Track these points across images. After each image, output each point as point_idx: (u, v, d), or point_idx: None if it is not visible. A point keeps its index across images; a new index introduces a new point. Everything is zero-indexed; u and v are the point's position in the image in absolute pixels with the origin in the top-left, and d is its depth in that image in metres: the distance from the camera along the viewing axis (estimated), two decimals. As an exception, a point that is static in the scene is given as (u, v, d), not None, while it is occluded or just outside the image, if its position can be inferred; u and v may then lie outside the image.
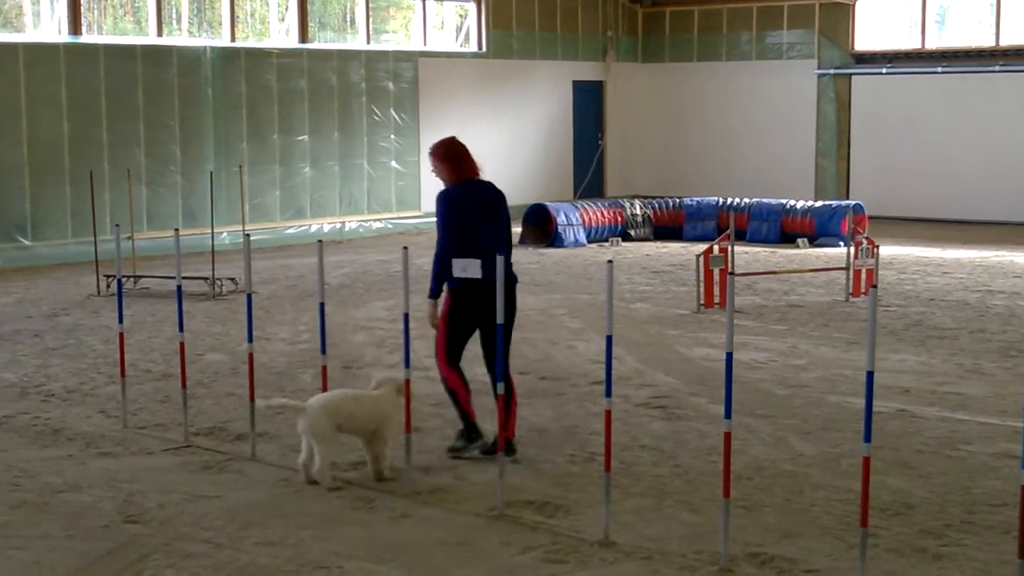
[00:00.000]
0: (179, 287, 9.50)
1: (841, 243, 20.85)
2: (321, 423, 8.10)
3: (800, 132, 28.08)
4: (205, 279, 16.41)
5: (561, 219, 22.17)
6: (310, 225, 23.54)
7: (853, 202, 22.34)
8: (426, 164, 22.80)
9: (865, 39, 27.61)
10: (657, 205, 23.92)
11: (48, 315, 15.05)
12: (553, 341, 13.28)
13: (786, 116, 28.23)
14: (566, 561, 6.80)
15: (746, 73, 28.81)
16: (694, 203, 23.64)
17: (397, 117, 25.01)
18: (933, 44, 26.88)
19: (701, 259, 15.23)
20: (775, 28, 28.46)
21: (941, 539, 7.12)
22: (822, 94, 27.82)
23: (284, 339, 13.46)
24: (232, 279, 16.68)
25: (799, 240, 22.04)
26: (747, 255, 20.44)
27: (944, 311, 15.11)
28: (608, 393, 7.17)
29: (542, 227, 22.52)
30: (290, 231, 23.18)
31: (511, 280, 8.52)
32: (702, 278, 15.22)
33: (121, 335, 9.89)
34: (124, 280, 16.07)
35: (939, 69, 26.23)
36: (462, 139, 9.09)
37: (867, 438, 6.20)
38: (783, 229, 22.48)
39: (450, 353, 8.89)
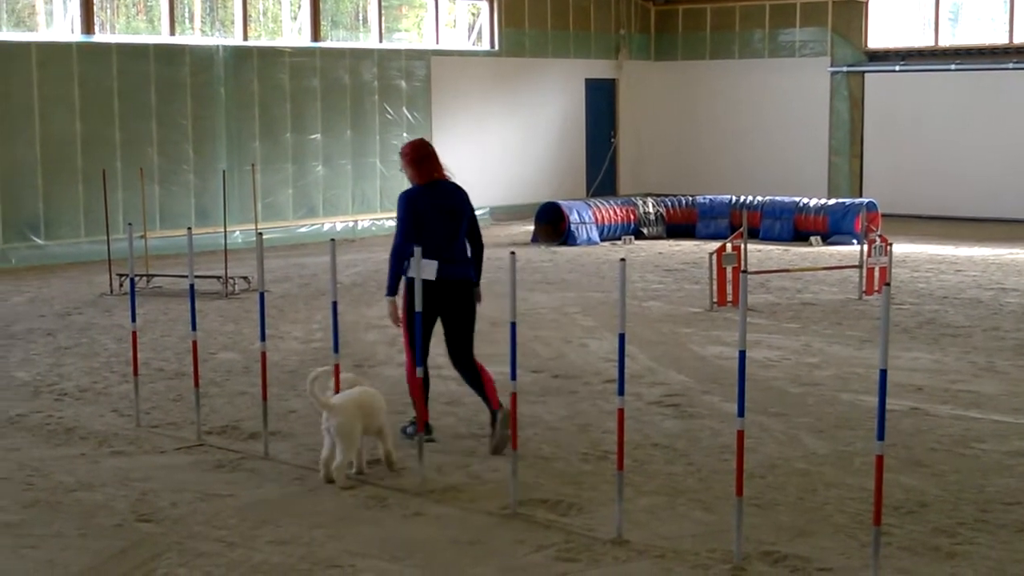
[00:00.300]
0: (192, 286, 9.50)
1: (854, 241, 20.82)
2: (353, 422, 8.14)
3: (813, 130, 28.03)
4: (218, 278, 16.42)
5: (574, 217, 22.16)
6: (323, 224, 23.55)
7: (866, 200, 22.31)
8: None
9: (878, 37, 27.56)
10: (670, 203, 23.90)
11: (61, 314, 15.07)
12: (566, 339, 13.27)
13: (799, 114, 28.18)
14: (579, 559, 6.79)
15: (759, 71, 28.76)
16: (707, 201, 23.61)
17: (409, 116, 25.00)
18: (946, 42, 26.82)
19: (714, 257, 15.21)
20: (788, 26, 28.41)
21: (954, 537, 7.10)
22: (835, 92, 27.77)
23: (297, 338, 13.47)
24: (245, 278, 16.70)
25: (812, 238, 22.01)
26: (760, 253, 20.42)
27: (957, 309, 15.08)
28: (621, 391, 7.16)
29: (555, 225, 22.52)
30: (303, 230, 23.19)
31: (470, 282, 8.75)
32: (715, 276, 15.21)
33: (134, 334, 9.90)
34: (137, 279, 16.09)
35: (952, 67, 26.17)
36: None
37: (880, 436, 6.18)
38: (796, 227, 22.45)
39: (417, 349, 8.82)
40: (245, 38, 22.93)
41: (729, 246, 15.27)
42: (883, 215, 22.43)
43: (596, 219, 22.53)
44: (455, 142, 25.58)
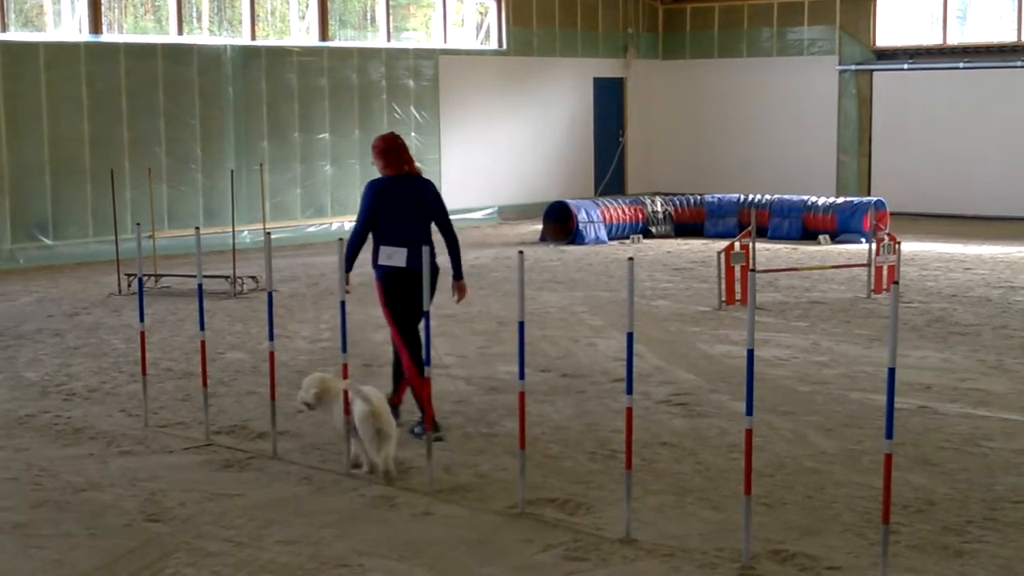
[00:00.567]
0: (200, 285, 9.51)
1: (863, 239, 20.83)
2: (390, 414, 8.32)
3: (821, 128, 28.01)
4: (226, 277, 16.44)
5: (582, 216, 22.16)
6: (331, 223, 23.56)
7: (875, 198, 22.31)
8: (447, 162, 22.88)
9: (886, 35, 27.52)
10: (678, 202, 23.89)
11: (69, 314, 15.09)
12: (574, 338, 13.27)
13: (807, 112, 28.16)
14: (587, 559, 6.79)
15: (767, 69, 28.74)
16: (715, 200, 23.60)
17: (417, 115, 25.01)
18: (955, 40, 26.77)
19: (722, 256, 15.19)
20: (796, 24, 28.38)
21: (963, 536, 7.10)
22: (843, 90, 27.74)
23: (305, 337, 13.47)
24: (253, 277, 16.71)
25: (821, 237, 21.99)
26: (768, 252, 20.41)
27: (966, 307, 15.06)
28: (629, 390, 7.15)
29: (563, 224, 22.52)
30: (311, 229, 23.21)
31: (434, 269, 8.85)
32: (723, 275, 15.19)
33: (142, 334, 9.90)
34: (145, 279, 16.10)
35: (961, 65, 26.14)
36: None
37: (889, 435, 6.18)
38: (805, 226, 22.44)
39: (402, 329, 9.37)
40: (253, 38, 22.95)
41: (737, 245, 15.26)
42: (892, 213, 22.42)
43: (604, 218, 22.53)
44: (463, 141, 25.62)
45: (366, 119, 24.16)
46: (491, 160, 26.17)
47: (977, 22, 26.99)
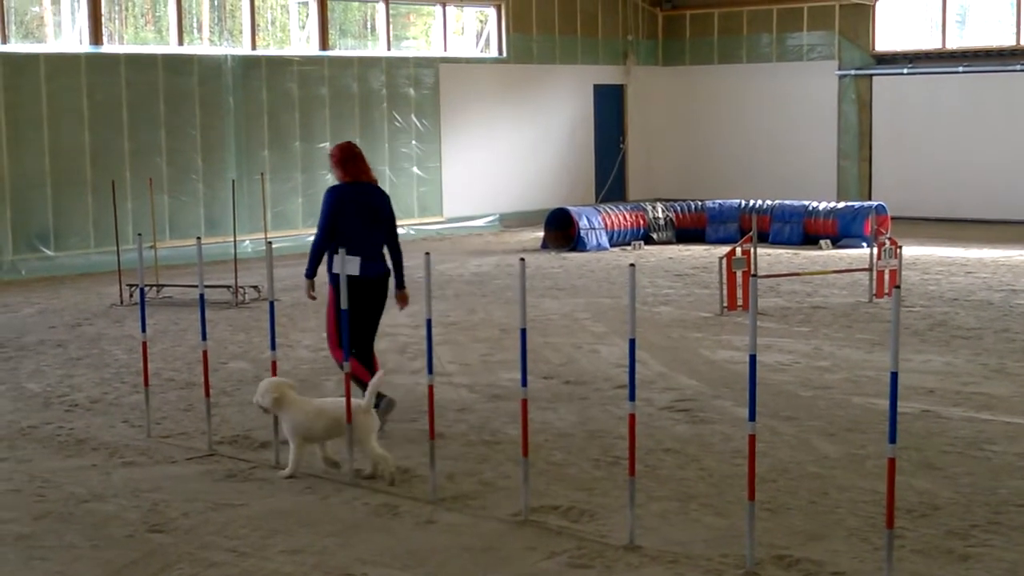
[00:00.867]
0: (202, 295, 9.52)
1: (864, 244, 20.82)
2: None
3: (821, 133, 28.01)
4: (228, 287, 16.45)
5: (583, 223, 22.16)
6: (332, 232, 23.51)
7: (875, 203, 22.30)
8: (448, 170, 22.95)
9: (886, 40, 27.52)
10: (679, 208, 23.89)
11: (71, 325, 15.09)
12: (576, 345, 13.27)
13: (807, 118, 28.16)
14: (592, 566, 6.79)
15: (767, 75, 28.75)
16: (716, 206, 23.60)
17: (418, 123, 25.02)
18: (954, 44, 26.78)
19: (724, 262, 15.19)
20: (795, 30, 28.39)
21: (967, 540, 7.09)
22: (843, 95, 27.74)
23: (307, 346, 13.47)
24: (255, 287, 16.71)
25: (822, 241, 21.99)
26: (770, 257, 20.41)
27: (968, 311, 15.05)
28: (632, 397, 7.15)
29: (564, 231, 22.51)
30: (312, 238, 23.15)
31: (384, 273, 9.35)
32: (725, 280, 15.19)
33: (144, 344, 9.89)
34: (147, 289, 16.10)
35: (960, 69, 26.14)
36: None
37: (892, 439, 6.17)
38: (806, 231, 22.44)
39: (342, 339, 9.29)
40: (253, 47, 22.97)
41: (739, 250, 15.26)
42: (892, 218, 22.40)
43: (606, 225, 22.53)
44: (464, 149, 25.62)
45: (367, 128, 24.17)
46: (492, 168, 26.17)
47: (976, 26, 27.00)
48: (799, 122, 28.27)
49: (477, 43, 27.14)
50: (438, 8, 26.01)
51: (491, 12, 26.90)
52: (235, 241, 17.19)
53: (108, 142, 20.66)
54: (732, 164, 29.11)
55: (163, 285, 16.96)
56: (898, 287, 6.24)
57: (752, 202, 23.32)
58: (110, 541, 7.31)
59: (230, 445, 9.44)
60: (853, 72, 27.48)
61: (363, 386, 9.23)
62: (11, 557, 7.09)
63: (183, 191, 21.57)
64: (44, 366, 12.61)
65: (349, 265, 9.25)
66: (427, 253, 8.10)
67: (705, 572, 6.66)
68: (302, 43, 24.18)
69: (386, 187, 24.28)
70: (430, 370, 8.04)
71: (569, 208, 22.99)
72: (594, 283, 18.05)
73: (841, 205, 22.88)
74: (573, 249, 21.97)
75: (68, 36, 21.02)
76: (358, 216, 9.70)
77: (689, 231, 23.55)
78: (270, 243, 9.44)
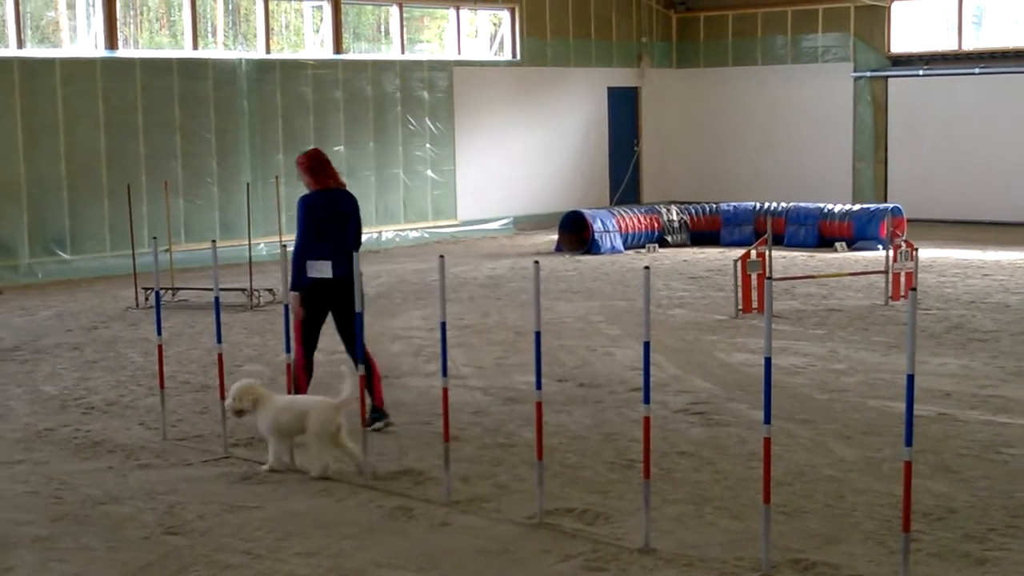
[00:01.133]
0: (217, 298, 9.54)
1: (880, 246, 20.75)
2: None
3: (837, 135, 27.96)
4: (243, 290, 16.47)
5: (598, 226, 22.15)
6: (347, 235, 23.53)
7: (891, 205, 22.24)
8: (462, 173, 23.00)
9: (901, 41, 27.46)
10: (694, 211, 23.86)
11: (87, 328, 15.13)
12: (591, 348, 13.26)
13: (822, 120, 28.11)
14: (607, 569, 6.78)
15: (781, 77, 28.71)
16: (731, 208, 23.57)
17: (432, 126, 25.04)
18: (970, 45, 26.71)
19: (739, 264, 15.18)
20: (810, 31, 28.35)
21: (984, 543, 7.07)
22: (858, 97, 27.69)
23: (322, 349, 13.38)
24: (270, 290, 16.73)
25: (837, 244, 21.95)
26: (785, 260, 20.37)
27: (985, 313, 15.01)
28: (646, 399, 7.14)
29: (578, 234, 22.51)
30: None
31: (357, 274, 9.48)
32: (740, 283, 15.17)
33: (160, 347, 9.92)
34: (162, 292, 16.11)
35: (976, 70, 26.08)
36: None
37: (908, 442, 6.16)
38: (821, 233, 22.40)
39: (306, 340, 9.92)
40: (268, 51, 23.00)
41: (754, 253, 15.24)
42: (908, 220, 22.34)
43: (620, 227, 22.51)
44: (478, 152, 25.63)
45: (381, 131, 24.18)
46: (506, 171, 26.16)
47: (993, 27, 26.92)
48: (814, 124, 28.21)
49: (491, 46, 27.15)
50: (452, 11, 26.02)
51: (505, 15, 26.91)
52: (250, 244, 17.20)
53: (123, 146, 20.70)
54: (747, 166, 29.08)
55: (178, 288, 16.98)
56: (914, 289, 6.23)
57: (767, 204, 23.29)
58: (126, 543, 7.33)
59: (245, 448, 9.45)
60: (868, 74, 27.43)
61: (301, 391, 9.67)
62: (28, 559, 7.10)
63: (198, 195, 21.61)
64: (61, 369, 12.64)
65: (322, 269, 9.56)
66: (441, 256, 8.10)
67: (720, 575, 6.65)
68: (316, 47, 24.21)
69: (400, 190, 24.39)
70: (444, 373, 8.04)
71: (583, 211, 22.99)
72: (608, 286, 18.04)
73: (856, 207, 22.84)
74: (587, 252, 21.96)
75: (83, 41, 21.07)
76: (330, 223, 9.85)
77: (704, 234, 23.52)
78: (285, 246, 9.46)
